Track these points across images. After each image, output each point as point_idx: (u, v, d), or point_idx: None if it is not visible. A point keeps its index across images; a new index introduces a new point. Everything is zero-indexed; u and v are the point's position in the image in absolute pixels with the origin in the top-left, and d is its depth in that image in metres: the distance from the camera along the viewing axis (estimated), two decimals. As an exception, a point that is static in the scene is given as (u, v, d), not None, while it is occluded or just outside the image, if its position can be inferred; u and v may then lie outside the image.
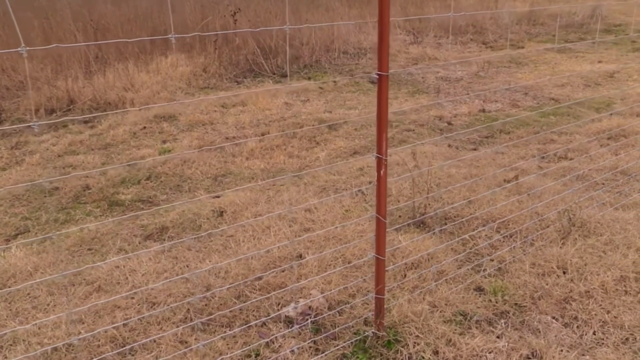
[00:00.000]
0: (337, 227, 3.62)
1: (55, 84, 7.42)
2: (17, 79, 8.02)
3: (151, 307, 2.87)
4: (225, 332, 2.68)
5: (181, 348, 2.55)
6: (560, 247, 3.29)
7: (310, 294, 2.90)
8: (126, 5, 9.89)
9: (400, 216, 3.86)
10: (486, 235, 3.56)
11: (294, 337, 2.61)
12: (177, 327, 2.70)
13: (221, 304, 2.88)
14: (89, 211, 4.09)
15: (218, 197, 4.26)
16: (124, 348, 2.55)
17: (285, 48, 9.57)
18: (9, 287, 3.06)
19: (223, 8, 9.22)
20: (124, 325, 2.70)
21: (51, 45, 1.63)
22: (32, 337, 2.64)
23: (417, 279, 3.03)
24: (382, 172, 2.32)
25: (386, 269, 3.03)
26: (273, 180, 4.56)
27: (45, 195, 4.36)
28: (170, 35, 1.60)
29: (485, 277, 3.08)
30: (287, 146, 5.44)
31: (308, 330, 2.65)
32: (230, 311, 2.82)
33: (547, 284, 2.96)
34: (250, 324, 2.72)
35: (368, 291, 2.91)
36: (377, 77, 2.18)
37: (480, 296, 2.92)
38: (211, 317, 2.76)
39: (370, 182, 4.40)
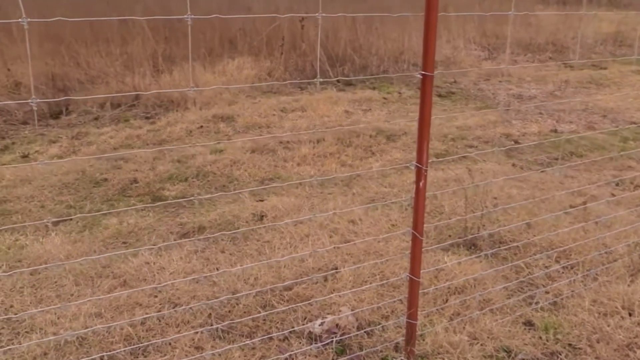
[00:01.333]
0: (379, 242, 3.39)
1: (124, 80, 7.59)
2: (90, 74, 8.28)
3: (173, 307, 2.74)
4: (244, 342, 2.51)
5: (195, 354, 2.40)
6: (628, 285, 2.92)
7: (340, 311, 2.69)
8: (198, 5, 10.04)
9: (450, 235, 3.58)
10: (543, 264, 3.23)
11: (315, 356, 2.41)
12: (196, 331, 2.56)
13: (245, 312, 2.72)
14: (132, 205, 4.05)
15: (262, 200, 4.12)
16: (138, 346, 2.43)
17: (354, 58, 9.43)
18: (39, 273, 3.03)
19: (293, 13, 9.20)
20: (142, 323, 2.59)
21: (54, 19, 1.53)
22: (49, 326, 2.58)
23: (460, 305, 2.76)
24: (421, 184, 2.09)
25: (427, 291, 2.78)
26: (320, 188, 4.38)
27: (93, 186, 4.38)
28: (186, 16, 1.46)
29: (537, 311, 2.76)
30: (340, 154, 5.26)
31: (332, 350, 2.44)
32: (253, 320, 2.65)
33: (608, 326, 2.61)
34: (272, 335, 2.54)
35: (402, 313, 2.66)
36: (421, 77, 1.96)
37: (529, 332, 2.61)
38: (232, 323, 2.61)
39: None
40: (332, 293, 2.85)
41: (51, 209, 3.94)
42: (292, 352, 2.40)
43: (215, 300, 2.75)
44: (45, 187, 4.29)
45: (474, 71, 9.98)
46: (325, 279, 2.98)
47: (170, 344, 2.46)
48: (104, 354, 2.39)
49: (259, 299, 2.82)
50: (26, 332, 2.55)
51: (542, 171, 4.99)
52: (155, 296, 2.82)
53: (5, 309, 2.74)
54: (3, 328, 2.60)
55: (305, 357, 2.39)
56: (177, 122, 6.21)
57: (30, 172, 4.58)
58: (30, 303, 2.77)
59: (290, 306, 2.74)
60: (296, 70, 8.89)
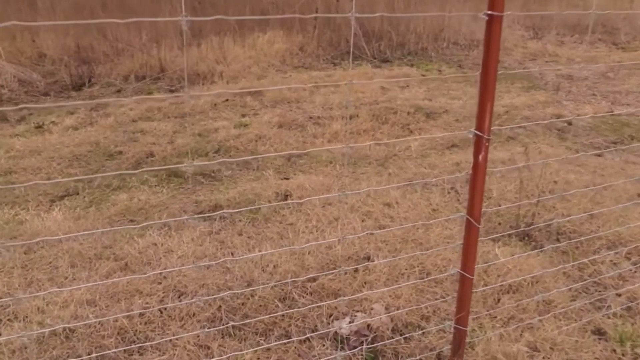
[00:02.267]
0: (418, 228, 2.96)
1: (150, 52, 7.27)
2: (116, 46, 7.99)
3: (178, 297, 2.37)
4: (258, 342, 2.13)
5: (199, 354, 2.03)
6: None
7: (372, 309, 2.28)
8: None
9: (499, 223, 3.12)
10: (612, 261, 2.75)
11: (341, 363, 2.01)
12: (202, 326, 2.19)
13: (260, 305, 2.33)
14: (145, 179, 3.70)
15: (287, 178, 3.73)
16: (134, 346, 2.07)
17: (391, 34, 8.93)
18: (34, 252, 2.69)
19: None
20: (140, 315, 2.23)
21: None
22: (35, 314, 2.24)
23: (515, 308, 2.31)
24: (480, 157, 1.65)
25: (475, 290, 2.34)
26: (353, 167, 3.96)
27: (106, 159, 4.05)
28: None
29: (609, 317, 2.30)
30: (375, 132, 4.81)
31: (361, 357, 2.03)
32: (270, 317, 2.26)
33: (700, 340, 2.14)
34: (291, 336, 2.15)
35: (447, 315, 2.24)
36: (487, 17, 1.51)
37: (599, 342, 2.16)
38: (246, 321, 2.23)
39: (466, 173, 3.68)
40: (364, 287, 2.44)
41: (59, 181, 3.63)
42: (313, 358, 2.01)
43: (228, 292, 2.37)
44: (54, 159, 3.98)
45: (518, 50, 9.39)
46: (356, 271, 2.57)
47: (171, 341, 2.09)
48: (94, 350, 2.03)
49: (277, 290, 2.43)
50: (8, 319, 2.22)
51: (599, 155, 4.47)
52: (159, 283, 2.46)
53: (-9, 291, 2.42)
54: (-15, 314, 2.27)
55: (330, 365, 1.99)
56: (202, 95, 5.85)
57: (42, 142, 4.28)
58: (19, 286, 2.44)
59: (313, 301, 2.34)
60: (330, 46, 8.44)
